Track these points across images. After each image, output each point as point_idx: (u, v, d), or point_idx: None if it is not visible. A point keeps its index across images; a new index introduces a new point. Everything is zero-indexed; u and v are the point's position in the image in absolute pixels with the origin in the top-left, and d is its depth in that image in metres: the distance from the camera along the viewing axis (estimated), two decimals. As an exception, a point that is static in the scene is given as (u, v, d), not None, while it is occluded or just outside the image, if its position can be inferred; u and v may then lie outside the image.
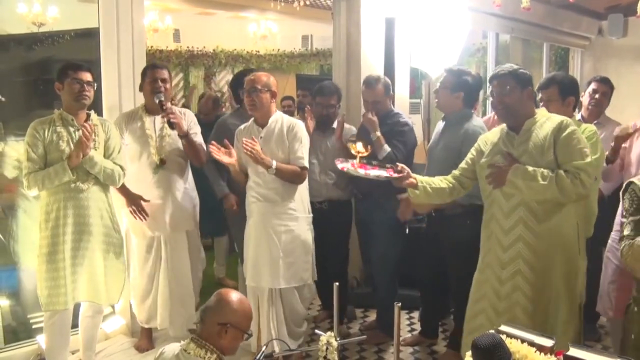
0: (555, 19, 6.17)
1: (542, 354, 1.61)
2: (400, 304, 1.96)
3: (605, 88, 3.50)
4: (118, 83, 3.32)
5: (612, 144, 3.12)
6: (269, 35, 7.99)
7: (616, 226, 2.72)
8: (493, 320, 2.42)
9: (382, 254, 3.41)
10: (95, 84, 2.85)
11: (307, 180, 3.09)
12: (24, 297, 3.36)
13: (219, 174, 3.47)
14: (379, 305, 3.57)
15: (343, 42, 4.34)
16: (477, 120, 3.12)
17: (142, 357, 3.26)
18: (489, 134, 2.64)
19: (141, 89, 3.16)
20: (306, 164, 3.00)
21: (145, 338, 3.36)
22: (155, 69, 3.12)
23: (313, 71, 8.10)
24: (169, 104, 3.09)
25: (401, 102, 4.32)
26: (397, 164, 2.63)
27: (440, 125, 3.26)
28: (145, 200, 3.06)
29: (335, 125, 3.48)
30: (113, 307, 3.41)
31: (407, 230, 3.58)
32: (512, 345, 1.62)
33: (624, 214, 2.05)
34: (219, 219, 3.56)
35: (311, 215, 3.14)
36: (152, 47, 7.03)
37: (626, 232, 2.00)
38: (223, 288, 2.05)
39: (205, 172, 3.45)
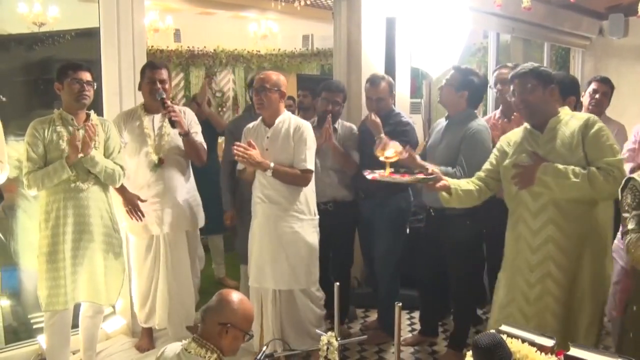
0: (556, 19, 6.16)
1: (543, 353, 1.61)
2: (400, 304, 1.96)
3: (606, 88, 3.50)
4: (119, 83, 3.32)
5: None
6: (269, 35, 7.98)
7: (622, 228, 2.71)
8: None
9: (384, 253, 3.42)
10: (95, 84, 2.85)
11: (313, 182, 3.04)
12: (24, 297, 3.36)
13: (231, 186, 3.54)
14: (381, 304, 3.56)
15: (344, 42, 4.34)
16: (480, 121, 3.12)
17: (143, 357, 3.26)
18: (510, 134, 2.60)
19: (140, 88, 3.15)
20: (310, 167, 2.94)
21: (146, 338, 3.35)
22: (154, 69, 3.09)
23: (314, 71, 8.08)
24: (169, 102, 3.08)
25: (402, 102, 4.32)
26: (427, 167, 2.58)
27: (441, 123, 3.25)
28: (142, 201, 3.05)
29: (336, 125, 3.47)
30: (114, 307, 3.41)
31: (407, 230, 3.58)
32: (513, 344, 1.63)
33: (626, 208, 2.04)
34: (212, 218, 3.55)
35: (317, 217, 3.09)
36: (152, 47, 7.01)
37: (630, 225, 1.99)
38: (224, 288, 2.05)
39: (220, 181, 3.57)
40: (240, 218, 3.52)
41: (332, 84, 3.56)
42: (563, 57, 7.31)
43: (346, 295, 3.56)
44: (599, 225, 2.34)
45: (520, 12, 4.94)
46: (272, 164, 2.85)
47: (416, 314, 3.82)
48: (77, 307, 2.94)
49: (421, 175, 2.52)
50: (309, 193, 3.03)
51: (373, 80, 3.40)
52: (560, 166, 2.25)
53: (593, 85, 3.52)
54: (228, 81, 8.02)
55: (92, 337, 3.03)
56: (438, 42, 4.17)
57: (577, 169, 2.23)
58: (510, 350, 1.55)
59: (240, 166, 3.02)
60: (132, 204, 3.04)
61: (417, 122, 4.23)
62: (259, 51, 8.10)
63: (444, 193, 2.53)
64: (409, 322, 3.82)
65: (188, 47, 7.63)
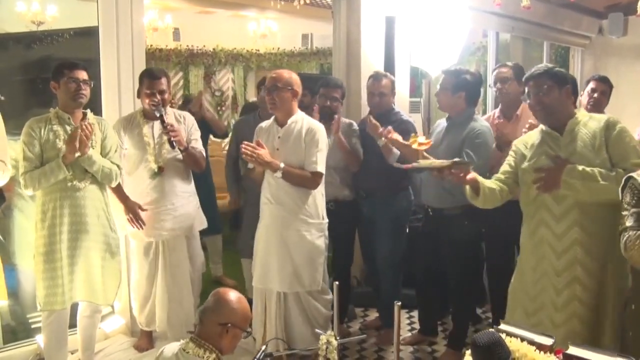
0: (555, 18, 6.16)
1: (542, 352, 1.61)
2: (400, 303, 1.96)
3: (604, 87, 3.49)
4: (117, 82, 3.31)
5: None
6: (268, 34, 7.99)
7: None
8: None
9: (387, 252, 3.42)
10: (92, 83, 2.83)
11: (323, 185, 3.00)
12: (22, 297, 3.35)
13: (235, 176, 3.74)
14: (383, 303, 3.54)
15: (343, 41, 4.34)
16: (482, 121, 3.11)
17: (142, 356, 3.25)
18: (525, 137, 2.54)
19: (139, 94, 3.11)
20: (320, 170, 2.88)
21: (145, 338, 3.34)
22: (153, 80, 3.03)
23: (313, 70, 8.08)
24: (169, 119, 3.03)
25: (401, 101, 4.31)
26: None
27: (442, 124, 3.24)
28: (142, 209, 3.05)
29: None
30: (112, 306, 3.40)
31: (407, 229, 3.58)
32: (512, 343, 1.62)
33: (625, 206, 2.03)
34: (211, 218, 3.54)
35: (326, 221, 3.03)
36: (151, 45, 7.02)
37: (629, 223, 1.97)
38: (220, 287, 2.04)
39: (226, 177, 3.82)
40: (245, 211, 3.51)
41: (330, 80, 3.56)
42: (562, 56, 7.31)
43: (346, 295, 3.55)
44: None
45: (520, 11, 4.93)
46: (282, 165, 2.82)
47: (415, 313, 3.82)
48: (74, 307, 2.93)
49: (457, 159, 2.47)
50: (318, 196, 2.98)
51: (376, 76, 3.44)
52: (588, 169, 2.19)
53: (592, 84, 3.52)
54: (227, 80, 8.02)
55: (90, 337, 3.02)
56: (437, 41, 4.17)
57: (603, 171, 2.18)
58: (508, 349, 1.55)
59: (250, 165, 2.97)
60: (134, 213, 3.03)
61: (416, 121, 4.23)
62: (259, 50, 8.10)
63: (468, 188, 2.48)
64: (408, 321, 3.82)
65: (187, 46, 7.63)
